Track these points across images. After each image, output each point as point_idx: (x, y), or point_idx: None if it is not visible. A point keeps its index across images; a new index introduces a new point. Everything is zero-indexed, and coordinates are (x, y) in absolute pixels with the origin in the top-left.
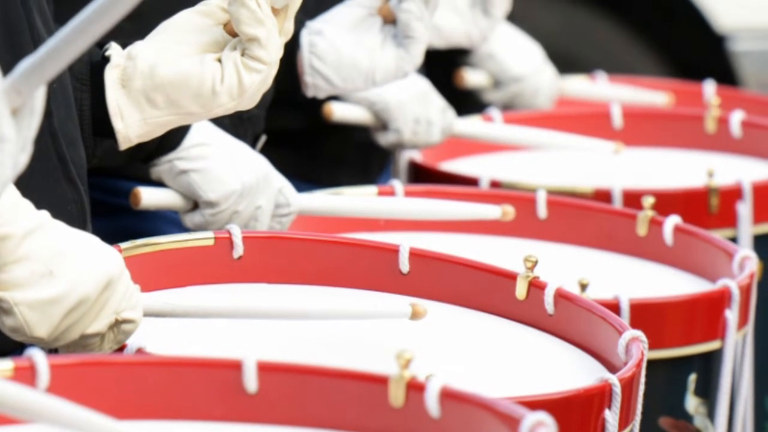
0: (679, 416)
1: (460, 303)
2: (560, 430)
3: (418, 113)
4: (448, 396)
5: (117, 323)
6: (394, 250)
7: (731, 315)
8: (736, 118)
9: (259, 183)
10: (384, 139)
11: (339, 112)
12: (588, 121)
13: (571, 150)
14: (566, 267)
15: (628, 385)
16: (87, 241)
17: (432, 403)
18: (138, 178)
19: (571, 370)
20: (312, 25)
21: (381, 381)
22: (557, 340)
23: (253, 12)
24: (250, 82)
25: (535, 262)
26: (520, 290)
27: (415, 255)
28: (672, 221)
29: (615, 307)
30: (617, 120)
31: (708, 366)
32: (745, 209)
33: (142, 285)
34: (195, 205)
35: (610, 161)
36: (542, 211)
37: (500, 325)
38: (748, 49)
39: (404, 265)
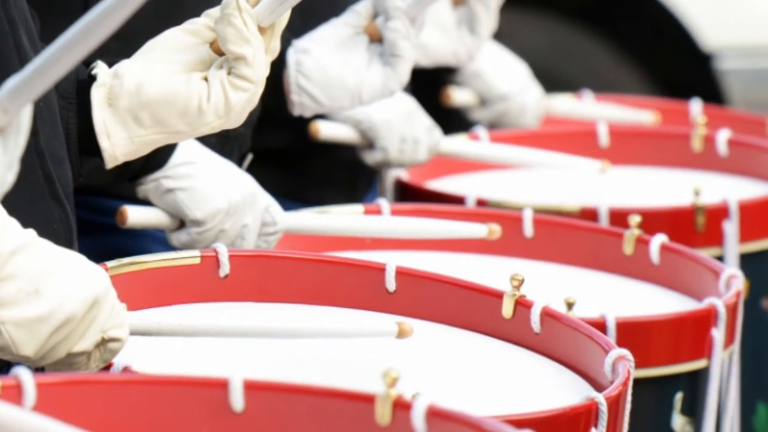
0: None
1: (446, 321)
2: None
3: (404, 132)
4: (434, 414)
5: (103, 342)
6: (380, 269)
7: (717, 334)
8: (723, 136)
9: (245, 201)
10: (370, 158)
11: (325, 130)
12: (574, 139)
13: (557, 168)
14: (553, 285)
15: (615, 404)
16: (73, 260)
17: (418, 421)
18: (124, 197)
19: (557, 389)
20: (298, 44)
21: (367, 399)
22: (543, 359)
23: (240, 31)
24: (237, 101)
25: (522, 281)
26: (507, 309)
27: (402, 273)
28: (658, 240)
29: (601, 326)
30: (603, 138)
31: (694, 384)
32: (731, 228)
33: (128, 303)
34: (181, 223)
35: (597, 180)
36: (528, 229)
37: (486, 343)
38: (734, 67)
39: (390, 283)
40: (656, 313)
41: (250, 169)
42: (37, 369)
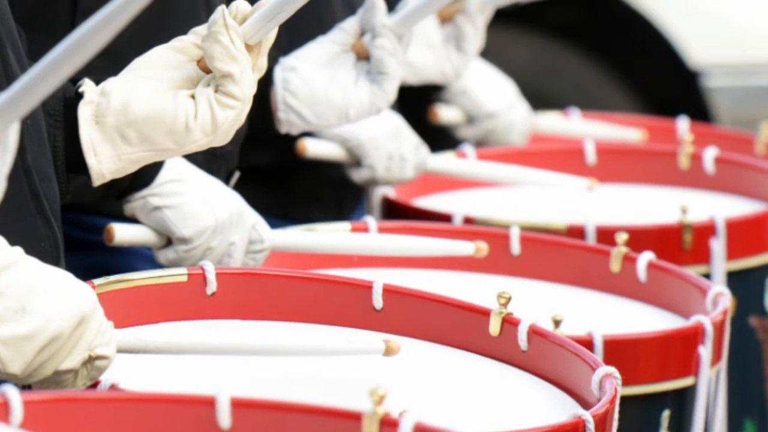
0: None
1: (433, 339)
2: None
3: (391, 149)
4: None
5: (90, 359)
6: (367, 287)
7: (705, 351)
8: (710, 154)
9: (232, 219)
10: (357, 176)
11: (312, 148)
12: (561, 157)
13: (544, 186)
14: (540, 303)
15: (602, 422)
16: (60, 278)
17: None
18: (111, 215)
19: (544, 407)
20: (285, 62)
21: (354, 417)
22: (531, 377)
23: (227, 48)
24: (224, 119)
25: (509, 299)
26: (494, 326)
27: (389, 291)
28: (645, 257)
29: (588, 344)
30: (591, 156)
31: (681, 402)
32: (718, 246)
33: (115, 321)
34: (168, 241)
35: (584, 197)
36: (516, 247)
37: (474, 361)
38: (721, 85)
39: (378, 301)
40: (643, 331)
41: (237, 187)
42: (24, 387)
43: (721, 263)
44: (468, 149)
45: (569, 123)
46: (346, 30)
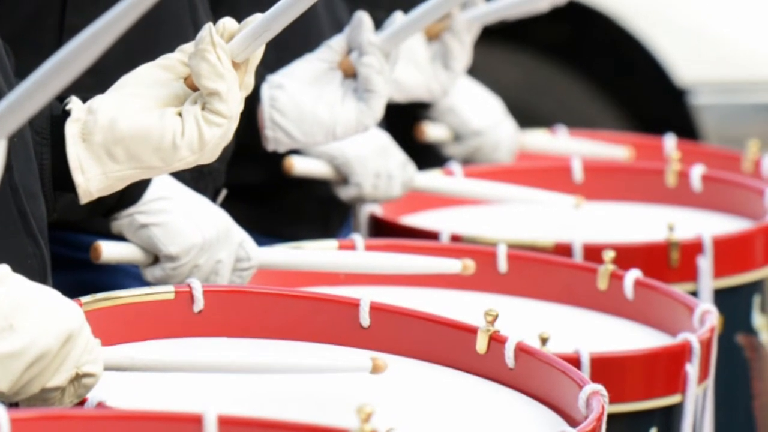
0: None
1: (420, 357)
2: None
3: (378, 167)
4: None
5: (77, 377)
6: (354, 304)
7: (692, 369)
8: (697, 172)
9: (219, 237)
10: (344, 193)
11: (299, 165)
12: (548, 175)
13: (531, 204)
14: (527, 321)
15: None
16: (47, 295)
17: None
18: (99, 232)
19: (531, 425)
20: (272, 79)
21: None
22: (518, 394)
23: (214, 66)
24: (211, 136)
25: (496, 316)
26: (481, 344)
27: (376, 309)
28: (632, 275)
29: (575, 361)
30: (578, 174)
31: (668, 420)
32: (705, 263)
33: (102, 339)
34: (155, 259)
35: (571, 215)
36: (503, 265)
37: (461, 379)
38: (708, 102)
39: (365, 319)
40: (630, 349)
41: (224, 205)
42: (12, 404)
43: (708, 281)
44: (455, 167)
45: (556, 141)
46: (333, 47)
